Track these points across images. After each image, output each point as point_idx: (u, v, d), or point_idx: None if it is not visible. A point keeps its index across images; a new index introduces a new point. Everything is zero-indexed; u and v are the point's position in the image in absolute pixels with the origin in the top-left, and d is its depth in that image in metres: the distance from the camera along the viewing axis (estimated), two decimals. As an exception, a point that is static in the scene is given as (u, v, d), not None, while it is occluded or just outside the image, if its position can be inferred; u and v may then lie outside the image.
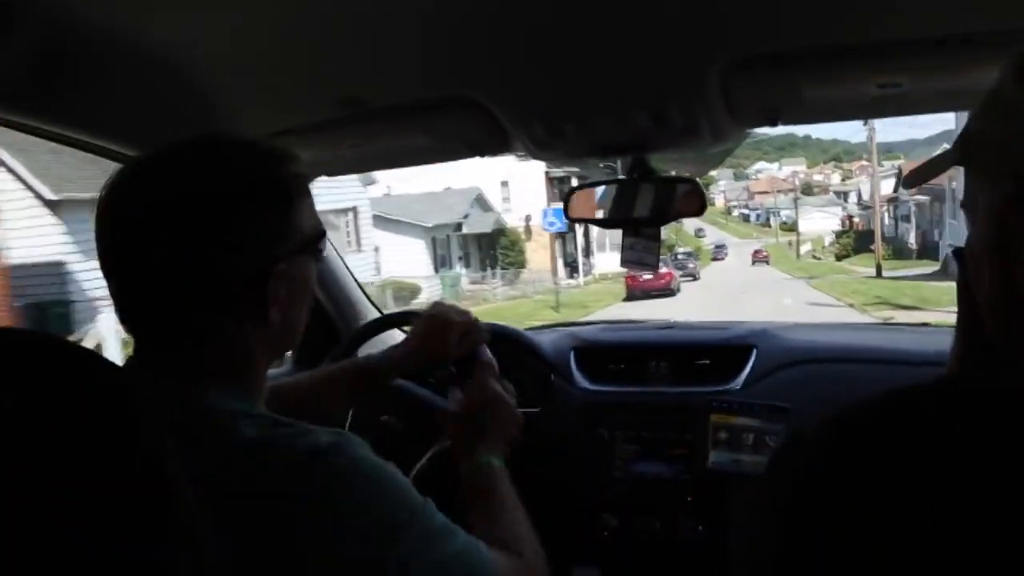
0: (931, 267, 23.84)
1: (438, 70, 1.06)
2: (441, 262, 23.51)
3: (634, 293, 20.11)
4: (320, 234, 0.75)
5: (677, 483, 1.47)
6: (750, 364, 1.53)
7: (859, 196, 49.37)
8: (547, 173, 26.78)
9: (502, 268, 24.73)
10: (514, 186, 26.36)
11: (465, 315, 1.13)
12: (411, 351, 1.08)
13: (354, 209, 18.23)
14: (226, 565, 0.52)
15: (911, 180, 0.70)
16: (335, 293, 1.71)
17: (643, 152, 1.32)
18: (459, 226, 23.93)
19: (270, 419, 0.66)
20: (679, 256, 33.32)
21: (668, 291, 20.56)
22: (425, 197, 22.47)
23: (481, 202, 24.85)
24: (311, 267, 0.75)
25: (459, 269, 23.79)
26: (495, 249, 25.42)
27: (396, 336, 1.85)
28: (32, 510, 0.35)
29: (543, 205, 26.09)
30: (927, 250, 28.67)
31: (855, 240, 41.21)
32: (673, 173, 1.48)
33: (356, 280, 1.78)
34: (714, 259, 46.28)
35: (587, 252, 30.89)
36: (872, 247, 35.38)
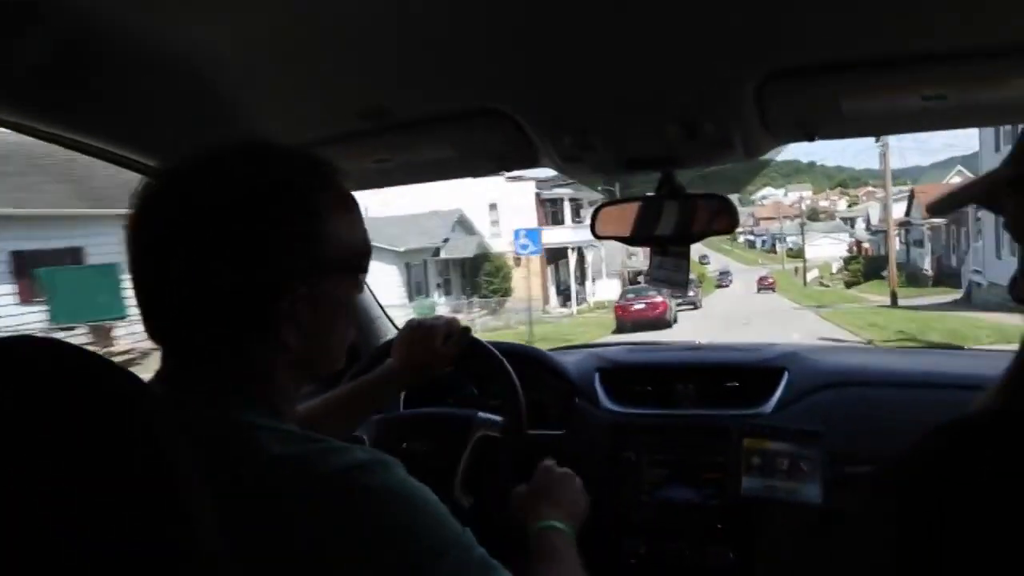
0: (950, 295, 22.99)
1: (465, 81, 1.05)
2: (417, 289, 22.33)
3: (624, 324, 18.68)
4: (363, 252, 0.73)
5: (706, 508, 1.45)
6: (781, 387, 1.52)
7: (867, 221, 48.76)
8: (538, 195, 26.50)
9: (484, 296, 23.52)
10: (503, 208, 25.63)
11: (442, 319, 1.23)
12: (401, 363, 1.17)
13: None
14: None
15: (941, 206, 0.70)
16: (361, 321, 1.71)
17: (673, 167, 1.33)
18: (437, 251, 22.85)
19: (299, 435, 0.64)
20: None
21: (663, 322, 18.96)
22: (401, 220, 21.18)
23: (464, 224, 24.06)
24: (348, 286, 0.72)
25: (436, 297, 22.79)
26: (478, 275, 24.22)
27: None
28: (42, 510, 0.36)
29: (534, 226, 25.65)
30: (943, 276, 27.82)
31: (865, 266, 40.69)
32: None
33: (376, 298, 1.79)
34: (719, 286, 46.11)
35: (582, 279, 30.28)
36: (883, 273, 34.09)
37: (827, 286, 43.05)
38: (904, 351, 1.82)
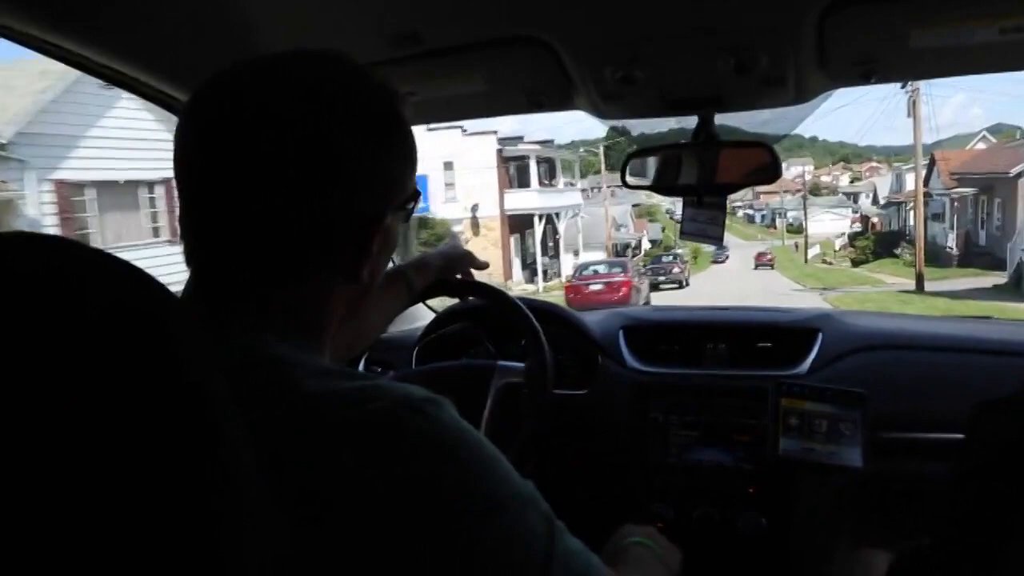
0: (985, 278, 19.99)
1: (505, 4, 1.02)
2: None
3: (577, 310, 16.43)
4: (417, 192, 0.72)
5: (738, 471, 1.46)
6: (816, 348, 1.53)
7: (874, 195, 47.60)
8: (500, 151, 24.28)
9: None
10: (460, 167, 23.14)
11: (478, 262, 1.32)
12: (434, 271, 1.25)
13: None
14: (285, 532, 0.49)
15: None
16: None
17: (716, 108, 1.31)
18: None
19: (338, 370, 0.61)
20: (662, 259, 31.28)
21: (626, 306, 16.65)
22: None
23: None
24: (399, 226, 0.71)
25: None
26: (409, 246, 21.90)
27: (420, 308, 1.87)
28: (59, 434, 0.31)
29: (494, 191, 23.68)
30: (971, 255, 24.38)
31: (875, 243, 37.96)
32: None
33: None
34: (714, 262, 45.50)
35: (556, 251, 29.22)
36: (897, 251, 32.89)
37: (830, 263, 40.95)
38: (936, 318, 1.84)
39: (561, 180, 30.01)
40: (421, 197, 0.73)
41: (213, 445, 0.39)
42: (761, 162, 1.36)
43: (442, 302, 1.50)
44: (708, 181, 1.40)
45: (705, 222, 1.44)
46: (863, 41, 1.08)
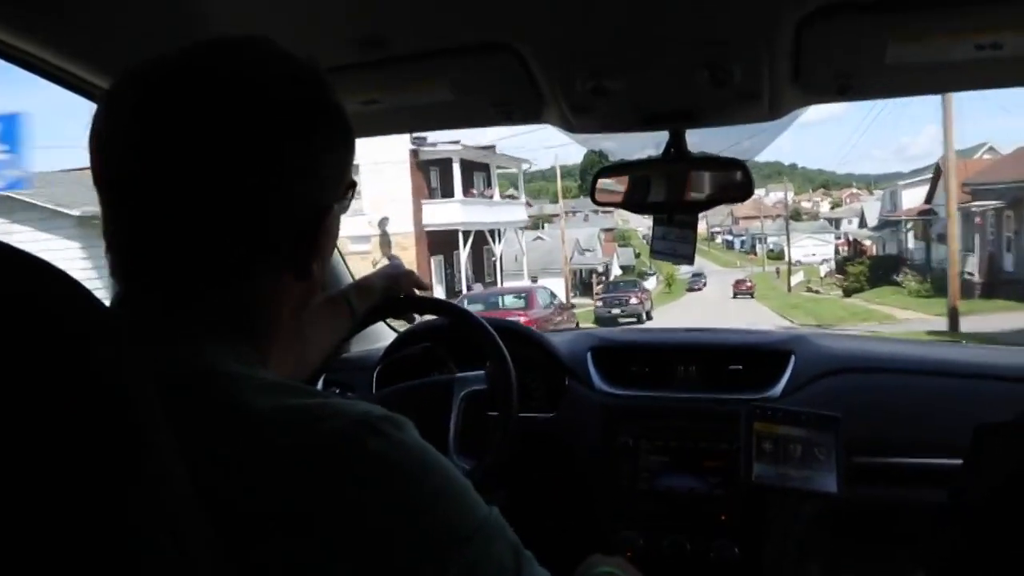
0: (1018, 312, 17.18)
1: (475, 8, 1.04)
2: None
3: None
4: (354, 182, 0.72)
5: (710, 498, 1.50)
6: (789, 371, 1.58)
7: (862, 218, 46.13)
8: (415, 153, 21.78)
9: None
10: (367, 172, 19.69)
11: (418, 279, 1.37)
12: (376, 294, 1.30)
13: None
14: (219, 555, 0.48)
15: None
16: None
17: (690, 123, 1.37)
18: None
19: (289, 386, 0.58)
20: (618, 288, 28.68)
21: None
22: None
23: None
24: (339, 219, 0.71)
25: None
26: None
27: (382, 329, 1.89)
28: None
29: (408, 201, 21.26)
30: (996, 283, 21.25)
31: (871, 268, 34.06)
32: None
33: (342, 255, 1.80)
34: (690, 289, 46.09)
35: (492, 278, 26.63)
36: (897, 277, 28.62)
37: (817, 292, 38.99)
38: (908, 340, 1.93)
39: (497, 192, 27.32)
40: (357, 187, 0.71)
41: (134, 456, 0.39)
42: (733, 180, 1.43)
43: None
44: (679, 199, 1.46)
45: (676, 240, 1.50)
46: (839, 55, 1.13)
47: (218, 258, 0.61)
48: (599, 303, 25.72)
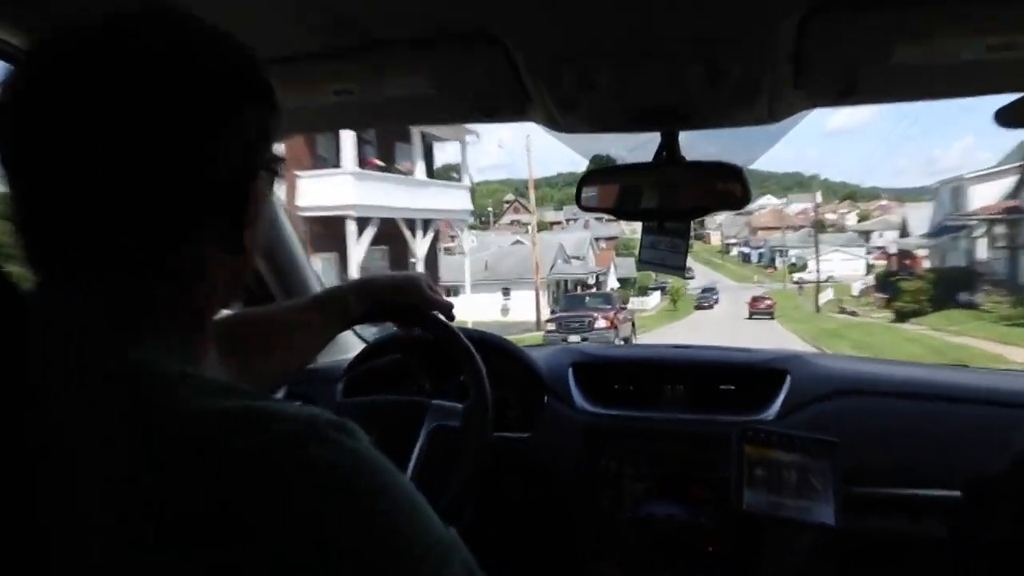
0: None
1: None
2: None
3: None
4: (281, 156, 0.75)
5: (698, 527, 1.54)
6: (784, 392, 1.64)
7: (903, 228, 43.24)
8: None
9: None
10: None
11: (437, 293, 1.36)
12: (381, 300, 1.31)
13: None
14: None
15: None
16: (283, 264, 1.77)
17: (683, 125, 1.41)
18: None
19: (225, 385, 0.59)
20: (583, 303, 23.52)
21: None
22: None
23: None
24: (270, 191, 0.74)
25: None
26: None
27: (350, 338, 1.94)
28: None
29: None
30: None
31: (937, 286, 28.84)
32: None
33: (304, 251, 1.86)
34: (699, 307, 45.43)
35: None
36: (968, 298, 25.31)
37: (853, 314, 35.51)
38: (911, 363, 1.98)
39: (421, 169, 20.49)
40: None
41: (36, 458, 0.43)
42: (729, 186, 1.46)
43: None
44: (670, 205, 1.51)
45: (666, 249, 1.54)
46: (843, 55, 1.17)
47: (141, 238, 0.62)
48: (551, 325, 21.78)
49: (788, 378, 1.66)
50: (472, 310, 21.24)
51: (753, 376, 1.70)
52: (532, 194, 35.72)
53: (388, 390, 1.61)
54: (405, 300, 1.33)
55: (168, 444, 0.53)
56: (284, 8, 1.10)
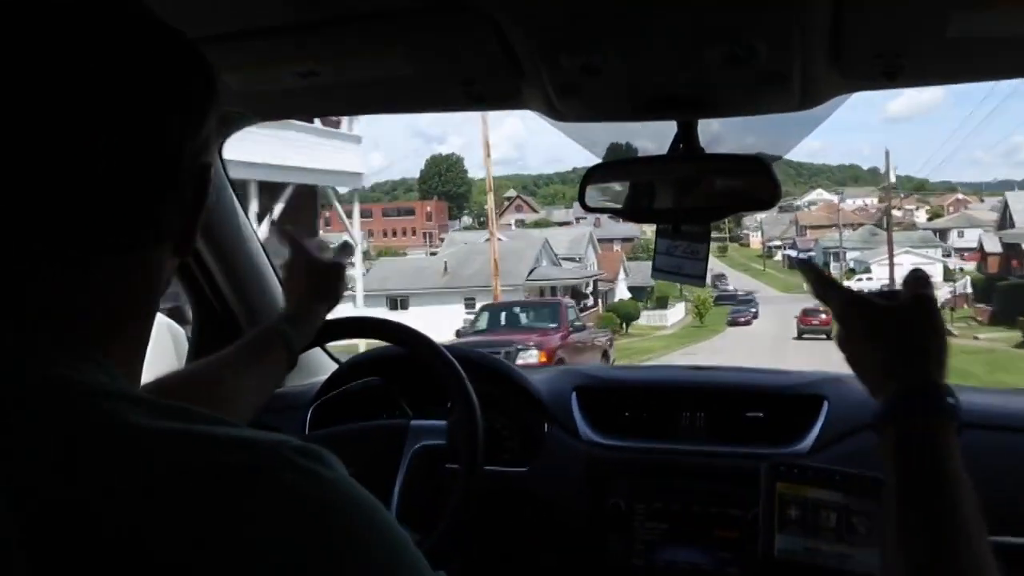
0: None
1: None
2: None
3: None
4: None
5: None
6: (820, 420, 1.66)
7: (1005, 217, 41.08)
8: None
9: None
10: None
11: (326, 251, 1.41)
12: (316, 318, 1.36)
13: None
14: None
15: None
16: (245, 280, 1.84)
17: (703, 112, 1.44)
18: None
19: (172, 406, 0.60)
20: (519, 316, 19.48)
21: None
22: None
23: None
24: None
25: None
26: None
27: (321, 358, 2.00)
28: None
29: None
30: None
31: None
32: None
33: (273, 265, 1.91)
34: (734, 323, 43.72)
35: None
36: None
37: (949, 333, 34.31)
38: (971, 388, 1.99)
39: None
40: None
41: None
42: (755, 183, 1.51)
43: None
44: (687, 205, 1.55)
45: (683, 256, 1.57)
46: (888, 28, 1.17)
47: (85, 247, 0.63)
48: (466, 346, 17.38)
49: (825, 404, 1.68)
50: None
51: (785, 403, 1.73)
52: (489, 171, 30.68)
53: (364, 417, 1.66)
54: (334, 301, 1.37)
55: (119, 467, 0.54)
56: None
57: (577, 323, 18.13)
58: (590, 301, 39.93)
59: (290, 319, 1.33)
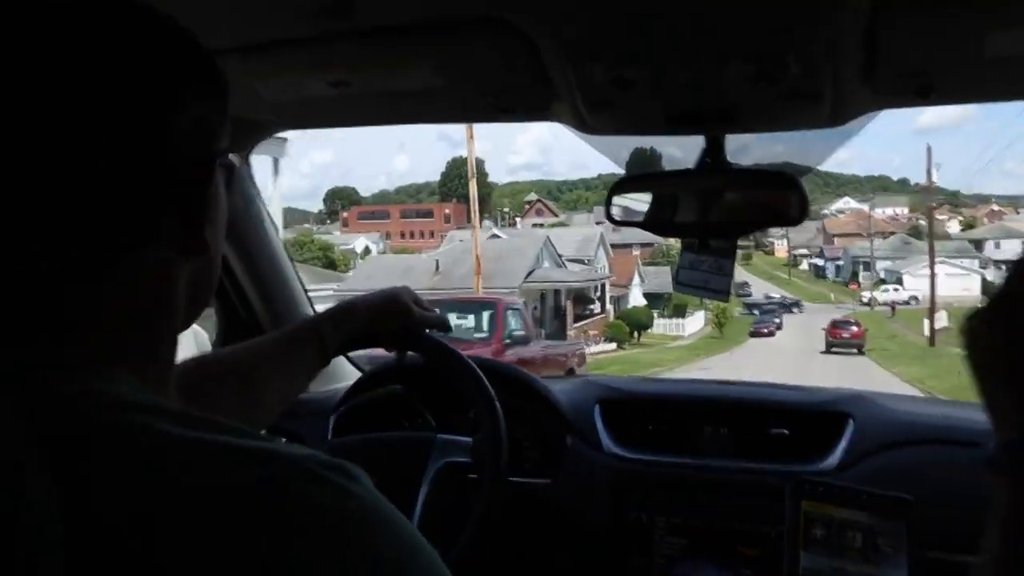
0: None
1: None
2: None
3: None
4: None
5: None
6: (846, 438, 1.68)
7: None
8: None
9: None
10: None
11: (426, 308, 1.43)
12: (362, 326, 1.38)
13: None
14: None
15: None
16: (272, 287, 1.87)
17: (732, 127, 1.47)
18: None
19: (209, 420, 0.61)
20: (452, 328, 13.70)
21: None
22: None
23: None
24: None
25: None
26: None
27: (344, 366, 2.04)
28: None
29: None
30: None
31: None
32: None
33: (296, 271, 1.95)
34: (755, 334, 43.30)
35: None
36: None
37: None
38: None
39: None
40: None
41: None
42: (784, 198, 1.52)
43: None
44: (714, 219, 1.57)
45: (708, 271, 1.60)
46: (923, 46, 1.19)
47: (86, 246, 0.64)
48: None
49: (851, 422, 1.70)
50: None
51: (810, 419, 1.74)
52: (471, 152, 27.15)
53: (386, 425, 1.69)
54: (390, 327, 1.39)
55: (143, 479, 0.55)
56: None
57: (518, 332, 14.45)
58: (597, 307, 38.57)
59: (329, 316, 1.36)
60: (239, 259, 1.87)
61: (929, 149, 41.81)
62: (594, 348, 31.02)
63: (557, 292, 34.15)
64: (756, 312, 52.16)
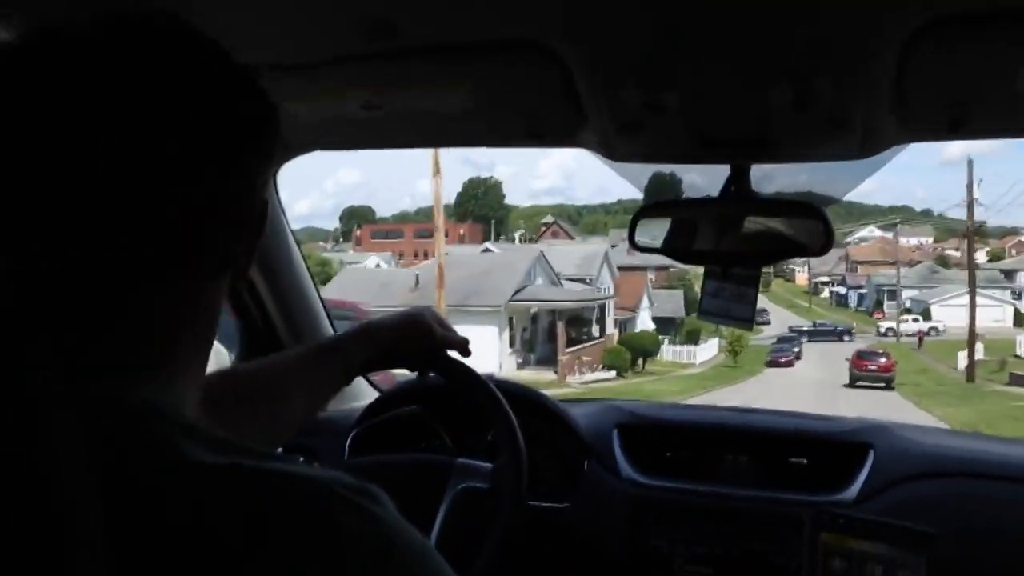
0: None
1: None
2: None
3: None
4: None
5: None
6: (866, 469, 1.70)
7: None
8: None
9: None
10: None
11: (448, 329, 1.45)
12: (384, 346, 1.39)
13: None
14: None
15: None
16: (294, 306, 1.90)
17: (760, 156, 1.50)
18: None
19: (235, 444, 0.63)
20: None
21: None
22: None
23: None
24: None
25: None
26: None
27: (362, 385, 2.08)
28: None
29: None
30: None
31: None
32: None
33: (319, 291, 1.99)
34: (772, 363, 41.08)
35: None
36: None
37: None
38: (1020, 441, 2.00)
39: None
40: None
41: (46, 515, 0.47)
42: (808, 229, 1.55)
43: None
44: (737, 248, 1.61)
45: (730, 299, 1.64)
46: (955, 80, 1.21)
47: (148, 267, 0.66)
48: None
49: (871, 453, 1.72)
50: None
51: (830, 449, 1.76)
52: (437, 154, 25.10)
53: (404, 446, 1.71)
54: (413, 349, 1.41)
55: (168, 501, 0.56)
56: (307, 9, 1.18)
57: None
58: (595, 330, 36.55)
59: (353, 335, 1.39)
60: (262, 276, 1.91)
61: (970, 162, 40.75)
62: (588, 376, 30.39)
63: (554, 313, 33.69)
64: (803, 340, 50.02)
